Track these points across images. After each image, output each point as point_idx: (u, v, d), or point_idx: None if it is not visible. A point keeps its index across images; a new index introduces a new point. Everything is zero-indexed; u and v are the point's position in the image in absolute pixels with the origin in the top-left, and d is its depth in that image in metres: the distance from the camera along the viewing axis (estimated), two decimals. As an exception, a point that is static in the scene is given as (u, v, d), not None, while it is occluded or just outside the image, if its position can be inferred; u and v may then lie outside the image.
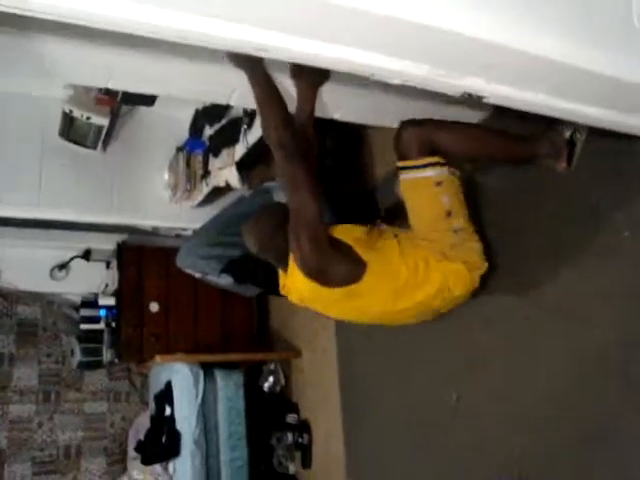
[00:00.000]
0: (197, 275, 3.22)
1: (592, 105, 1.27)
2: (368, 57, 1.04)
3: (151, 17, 0.92)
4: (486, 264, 2.16)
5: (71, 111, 2.91)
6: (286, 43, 0.99)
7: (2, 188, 3.05)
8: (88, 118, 2.96)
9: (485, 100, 1.20)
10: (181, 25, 0.93)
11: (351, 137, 3.34)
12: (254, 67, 1.89)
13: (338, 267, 2.05)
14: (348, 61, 1.04)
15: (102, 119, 3.00)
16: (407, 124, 2.07)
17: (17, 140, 3.14)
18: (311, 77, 2.00)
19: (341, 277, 2.06)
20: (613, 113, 1.31)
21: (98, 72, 1.90)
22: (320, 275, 2.05)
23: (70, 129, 3.07)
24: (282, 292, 2.28)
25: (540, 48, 1.05)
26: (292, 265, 2.10)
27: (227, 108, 2.89)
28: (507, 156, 2.21)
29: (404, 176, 2.11)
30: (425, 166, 2.04)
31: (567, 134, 2.04)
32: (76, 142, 3.17)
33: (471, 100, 1.20)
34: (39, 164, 3.18)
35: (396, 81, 1.13)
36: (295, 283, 2.15)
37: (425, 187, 2.07)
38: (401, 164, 2.10)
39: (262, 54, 1.02)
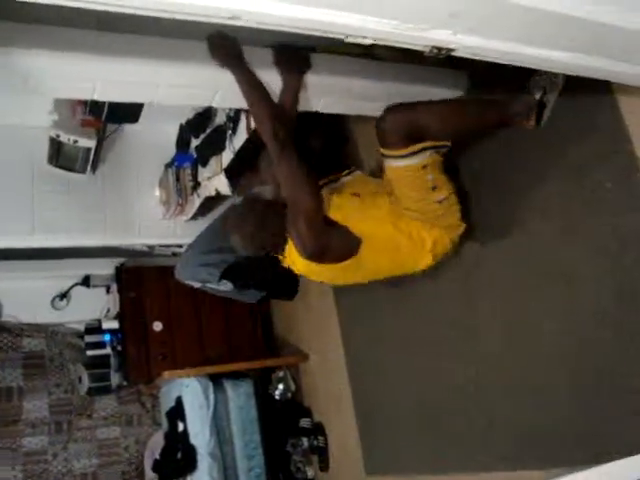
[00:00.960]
0: (197, 285, 3.25)
1: (562, 50, 1.31)
2: (339, 16, 1.08)
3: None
4: (464, 225, 2.28)
5: (58, 135, 2.95)
6: (258, 8, 1.03)
7: (-4, 220, 3.10)
8: (75, 141, 3.00)
9: (455, 53, 1.25)
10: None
11: (337, 137, 3.38)
12: (238, 64, 1.95)
13: (335, 247, 2.13)
14: (321, 22, 1.08)
15: (89, 141, 3.04)
16: (388, 112, 2.08)
17: (7, 172, 3.18)
18: (294, 63, 2.07)
19: (338, 255, 2.15)
20: (584, 57, 1.35)
21: (82, 84, 1.94)
22: (319, 257, 2.14)
23: (58, 155, 3.11)
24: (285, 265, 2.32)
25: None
26: (290, 248, 2.17)
27: (210, 118, 2.95)
28: (486, 124, 2.26)
29: (390, 163, 2.13)
30: (411, 154, 2.06)
31: (537, 96, 2.11)
32: (65, 168, 3.21)
33: (440, 56, 1.25)
34: (30, 193, 3.22)
35: (368, 41, 1.17)
36: (295, 265, 2.23)
37: (411, 172, 2.10)
38: (386, 153, 2.11)
39: (235, 22, 1.06)
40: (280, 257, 2.29)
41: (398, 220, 2.18)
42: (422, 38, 1.18)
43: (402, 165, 2.09)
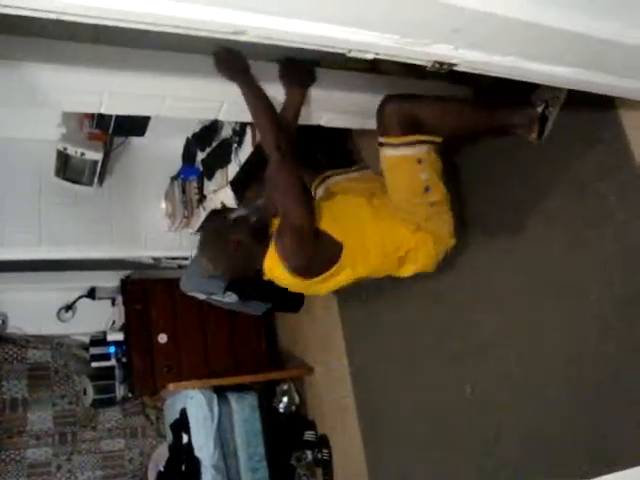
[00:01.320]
0: (202, 297, 3.26)
1: (564, 65, 1.33)
2: (341, 31, 1.10)
3: (123, 3, 0.94)
4: (453, 240, 2.24)
5: (65, 148, 2.99)
6: (263, 23, 1.04)
7: (4, 232, 3.13)
8: (82, 154, 3.03)
9: (457, 68, 1.26)
10: (157, 10, 0.96)
11: (340, 150, 3.40)
12: (244, 77, 1.96)
13: (320, 259, 2.08)
14: (323, 37, 1.10)
15: (96, 154, 3.08)
16: (390, 99, 2.09)
17: (15, 184, 3.22)
18: (298, 77, 2.08)
19: (322, 266, 2.10)
20: (585, 72, 1.37)
21: (90, 98, 1.96)
22: (303, 272, 2.09)
23: (66, 168, 3.15)
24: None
25: (507, 10, 1.10)
26: (271, 254, 2.08)
27: (216, 131, 2.98)
28: (485, 128, 2.27)
29: (386, 152, 2.12)
30: (407, 144, 2.06)
31: (540, 109, 2.12)
32: (72, 180, 3.25)
33: (442, 70, 1.26)
34: (38, 205, 3.27)
35: (369, 55, 1.19)
36: (274, 273, 2.14)
37: (406, 164, 2.10)
38: (384, 140, 2.10)
39: (240, 37, 1.08)
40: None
41: (378, 221, 2.16)
42: (424, 53, 1.19)
43: (397, 155, 2.08)
